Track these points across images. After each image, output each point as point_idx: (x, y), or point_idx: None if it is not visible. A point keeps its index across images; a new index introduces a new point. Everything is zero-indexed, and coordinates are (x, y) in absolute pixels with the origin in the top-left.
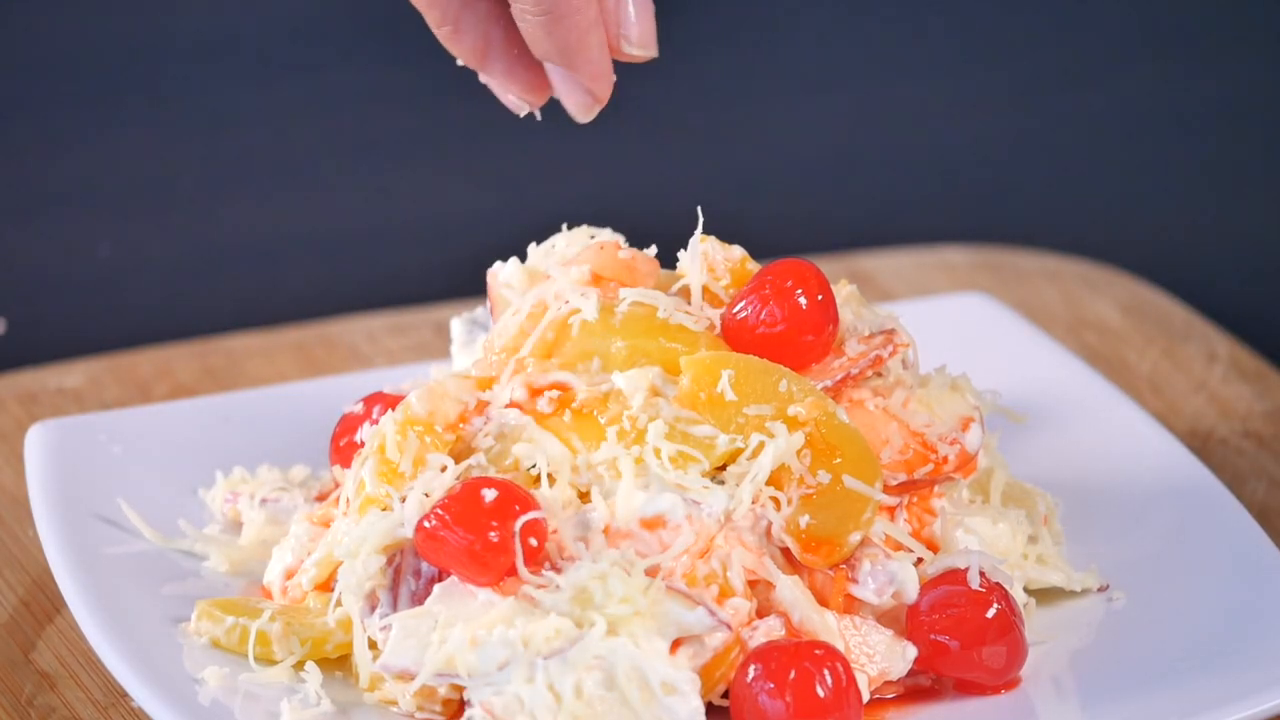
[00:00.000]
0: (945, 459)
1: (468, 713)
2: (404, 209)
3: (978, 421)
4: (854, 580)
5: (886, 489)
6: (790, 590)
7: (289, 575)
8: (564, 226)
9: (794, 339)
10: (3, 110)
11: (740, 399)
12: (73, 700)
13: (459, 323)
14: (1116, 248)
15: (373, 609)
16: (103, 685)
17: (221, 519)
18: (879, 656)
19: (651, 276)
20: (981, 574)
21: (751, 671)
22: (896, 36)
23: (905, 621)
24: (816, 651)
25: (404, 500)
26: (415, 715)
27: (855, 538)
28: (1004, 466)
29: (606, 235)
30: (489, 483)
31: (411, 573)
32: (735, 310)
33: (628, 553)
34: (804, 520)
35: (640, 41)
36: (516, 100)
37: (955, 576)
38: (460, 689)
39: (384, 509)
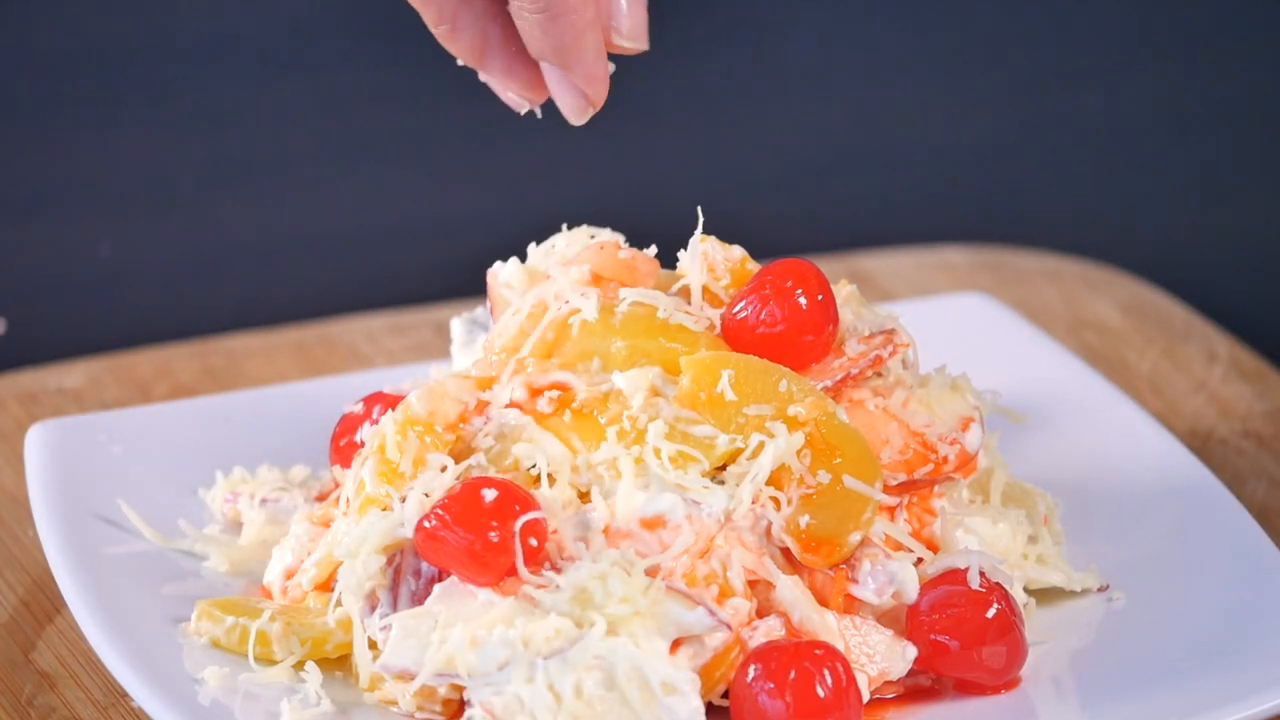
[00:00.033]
0: (945, 459)
1: (468, 713)
2: (404, 209)
3: (978, 421)
4: (854, 580)
5: (886, 489)
6: (790, 590)
7: (289, 575)
8: (564, 226)
9: (794, 339)
10: (3, 110)
11: (740, 399)
12: (73, 700)
13: (459, 323)
14: (1116, 248)
15: (373, 609)
16: (103, 685)
17: (221, 519)
18: (879, 656)
19: (651, 276)
20: (981, 574)
21: (751, 671)
22: (896, 37)
23: (905, 621)
24: (816, 651)
25: (404, 500)
26: (415, 715)
27: (855, 538)
28: (1004, 466)
29: (606, 235)
30: (489, 483)
31: (411, 573)
32: (735, 310)
33: (628, 553)
34: (804, 520)
35: (631, 34)
36: (516, 98)
37: (955, 576)
38: (460, 689)
39: (384, 509)
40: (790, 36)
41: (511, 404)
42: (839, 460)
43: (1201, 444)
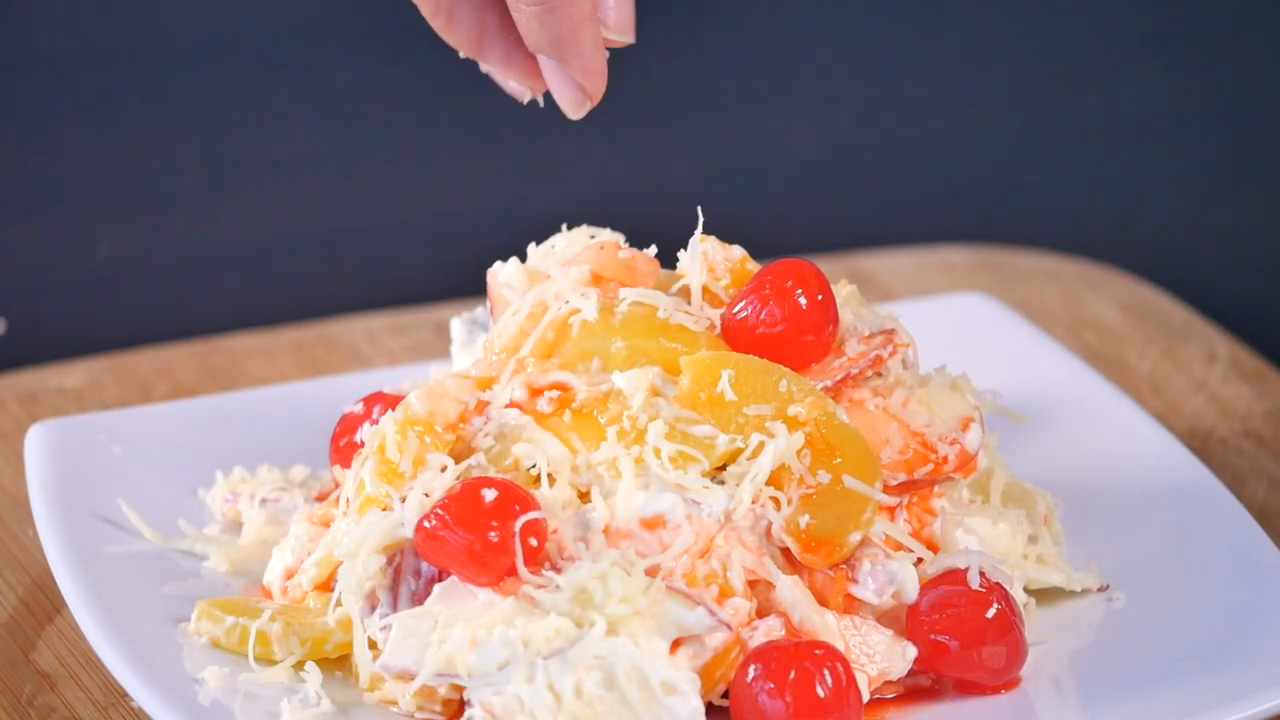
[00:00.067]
0: (945, 459)
1: (468, 713)
2: (404, 209)
3: (978, 421)
4: (854, 580)
5: (886, 489)
6: (790, 590)
7: (289, 575)
8: (564, 226)
9: (794, 339)
10: (3, 110)
11: (740, 399)
12: (73, 700)
13: (459, 323)
14: (1116, 248)
15: (373, 609)
16: (103, 685)
17: (221, 519)
18: (879, 656)
19: (651, 276)
20: (981, 574)
21: (751, 671)
22: (896, 36)
23: (905, 621)
24: (816, 651)
25: (404, 500)
26: (415, 715)
27: (855, 538)
28: (1004, 466)
29: (606, 235)
30: (489, 483)
31: (411, 573)
32: (735, 310)
33: (628, 553)
34: (804, 520)
35: (618, 26)
36: (517, 87)
37: (955, 576)
38: (460, 689)
39: (384, 509)
40: (791, 37)
41: (511, 404)
42: (839, 460)
43: (1201, 444)
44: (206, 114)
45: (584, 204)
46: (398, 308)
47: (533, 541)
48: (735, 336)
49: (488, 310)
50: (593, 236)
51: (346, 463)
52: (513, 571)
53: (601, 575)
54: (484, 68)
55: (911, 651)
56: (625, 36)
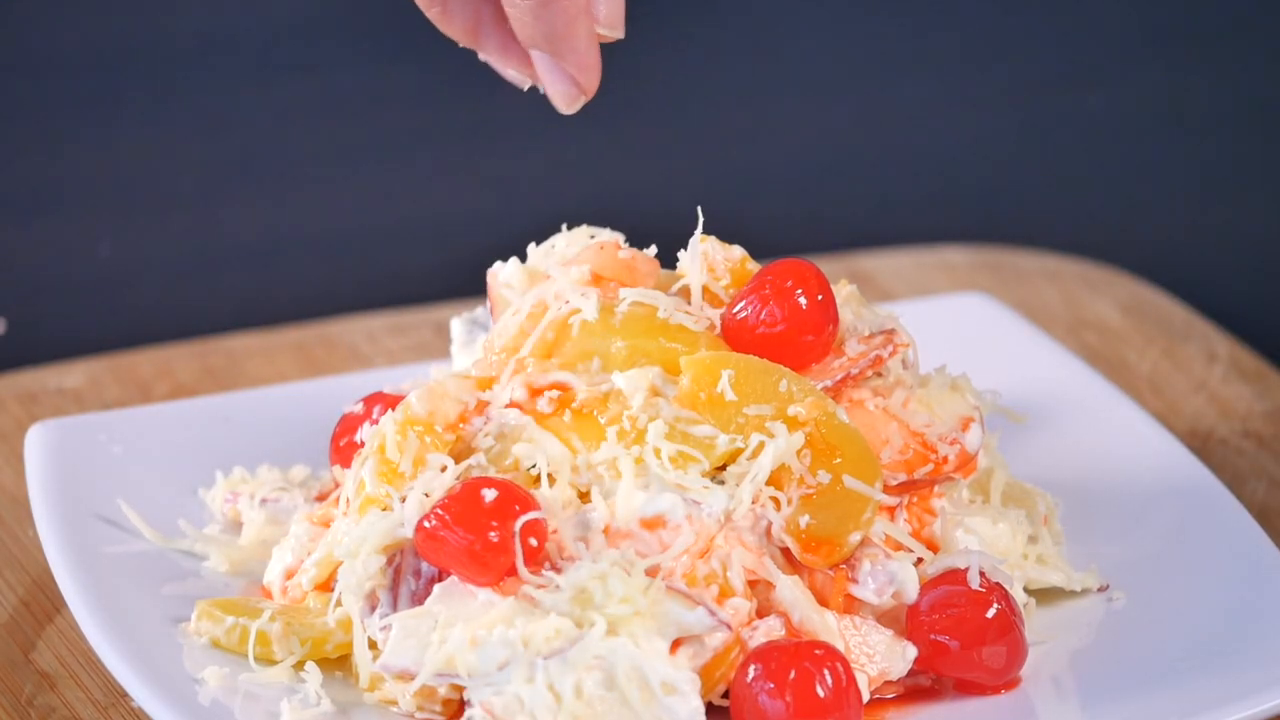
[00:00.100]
0: (945, 459)
1: (468, 713)
2: (404, 209)
3: (978, 421)
4: (854, 580)
5: (886, 489)
6: (790, 590)
7: (289, 575)
8: (564, 226)
9: (794, 339)
10: (3, 110)
11: (740, 399)
12: (73, 700)
13: (459, 323)
14: (1116, 248)
15: (373, 609)
16: (103, 685)
17: (221, 519)
18: (879, 656)
19: (651, 276)
20: (981, 574)
21: (751, 671)
22: (896, 36)
23: (905, 621)
24: (816, 651)
25: (404, 500)
26: (415, 715)
27: (855, 538)
28: (1004, 466)
29: (606, 235)
30: (489, 483)
31: (411, 573)
32: (735, 310)
33: (628, 553)
34: (804, 520)
35: (608, 21)
36: (516, 75)
37: (955, 576)
38: (460, 689)
39: (384, 509)
40: (791, 36)
41: (511, 404)
42: (839, 460)
43: (1201, 444)
44: (207, 114)
45: (584, 204)
46: (398, 308)
47: (533, 541)
48: (735, 336)
49: (488, 310)
50: (593, 236)
51: (346, 463)
52: (513, 571)
53: (601, 575)
54: (482, 56)
55: (911, 651)
56: (615, 31)
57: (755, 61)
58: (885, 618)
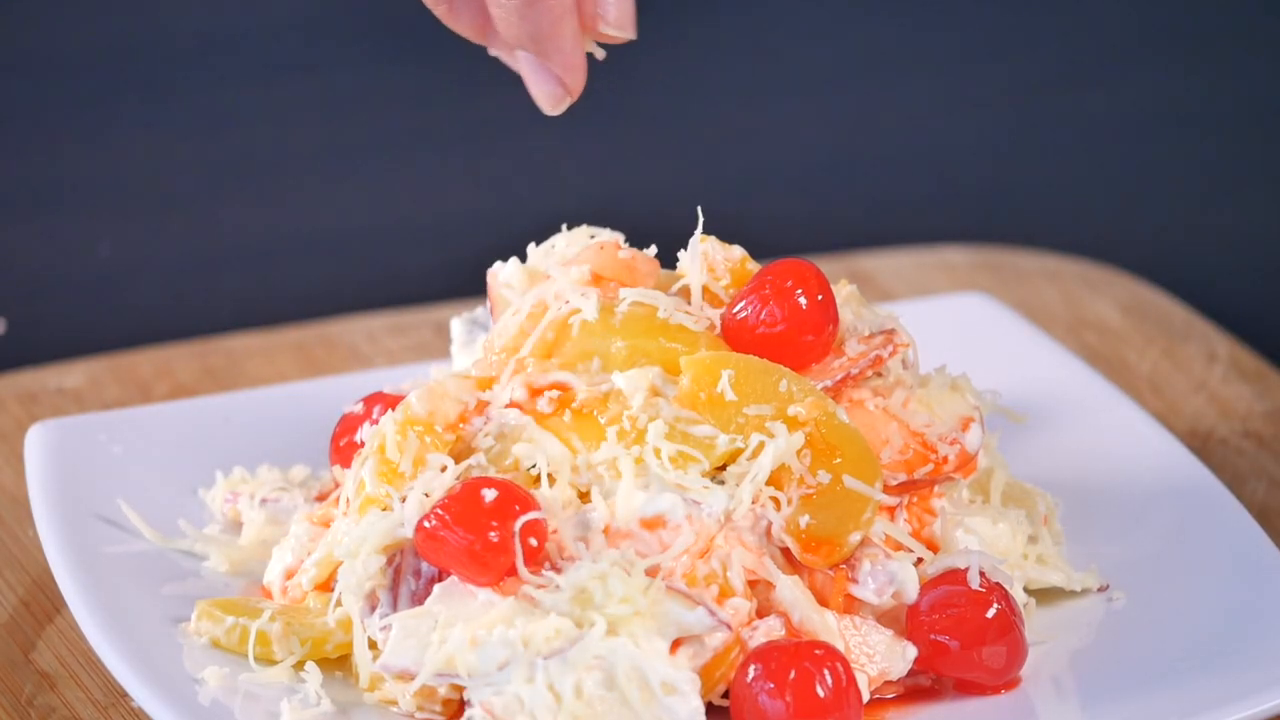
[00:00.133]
0: (945, 459)
1: (468, 713)
2: (404, 209)
3: (978, 421)
4: (854, 580)
5: (886, 489)
6: (790, 590)
7: (289, 575)
8: (564, 226)
9: (794, 339)
10: (3, 110)
11: (740, 399)
12: (73, 700)
13: (459, 323)
14: (1116, 248)
15: (373, 609)
16: (103, 685)
17: (221, 519)
18: (879, 656)
19: (651, 276)
20: (981, 574)
21: (751, 671)
22: (896, 36)
23: (905, 621)
24: (816, 651)
25: (404, 500)
26: (415, 715)
27: (855, 538)
28: (1004, 466)
29: (606, 235)
30: (489, 483)
31: (411, 573)
32: (735, 310)
33: (628, 553)
34: (804, 520)
35: (618, 22)
36: None
37: (955, 576)
38: (460, 689)
39: (384, 509)
40: (790, 36)
41: (511, 404)
42: (839, 460)
43: (1201, 444)
44: (206, 114)
45: (584, 204)
46: (398, 308)
47: (533, 541)
48: (735, 336)
49: (488, 310)
50: (593, 236)
51: (346, 463)
52: (513, 571)
53: (601, 575)
54: (492, 51)
55: (911, 651)
56: (625, 32)
57: (755, 61)
58: (885, 618)
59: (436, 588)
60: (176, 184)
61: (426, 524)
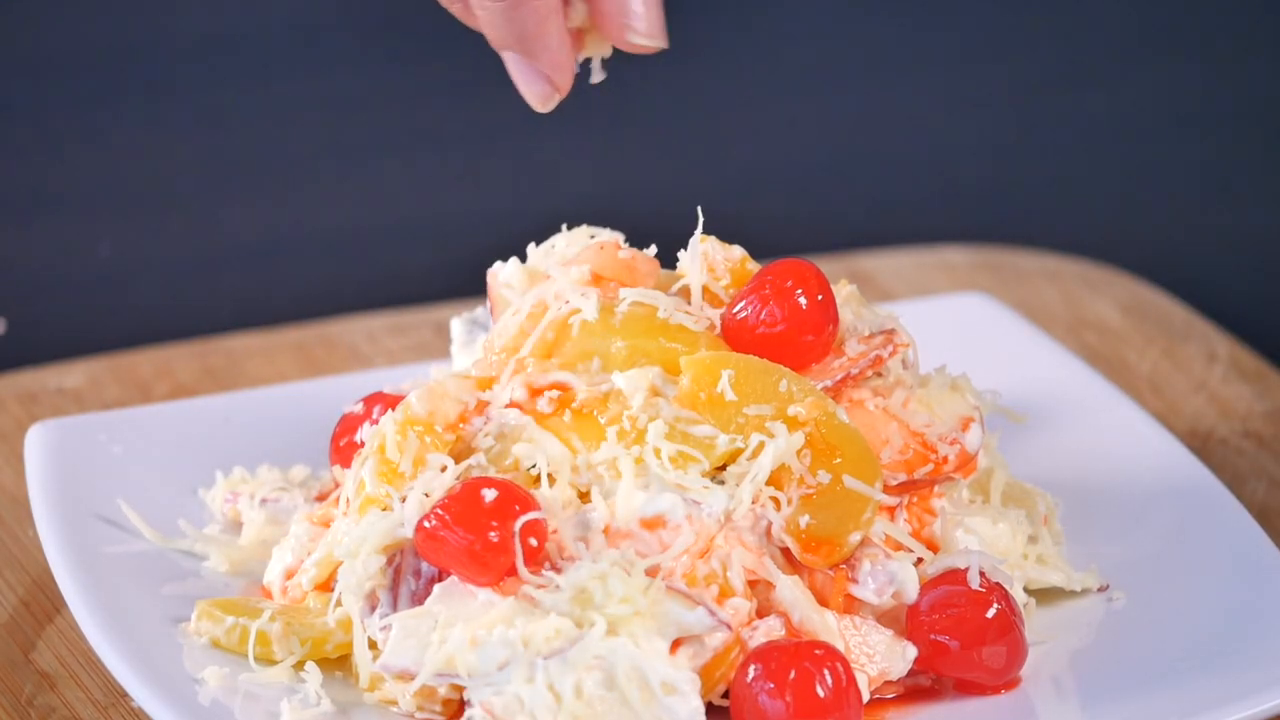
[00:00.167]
0: (945, 459)
1: (468, 713)
2: (404, 209)
3: (978, 421)
4: (854, 580)
5: (886, 489)
6: (790, 590)
7: (289, 575)
8: (564, 226)
9: (794, 339)
10: (3, 110)
11: (740, 399)
12: (73, 700)
13: (459, 323)
14: (1116, 248)
15: (373, 609)
16: (103, 685)
17: (221, 519)
18: (879, 656)
19: (651, 276)
20: (981, 574)
21: (751, 671)
22: (896, 36)
23: (905, 621)
24: (816, 651)
25: (404, 500)
26: (415, 715)
27: (855, 538)
28: (1004, 466)
29: (606, 235)
30: (489, 483)
31: (411, 573)
32: (735, 310)
33: (628, 553)
34: (804, 520)
35: (649, 32)
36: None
37: (955, 576)
38: (460, 689)
39: (384, 509)
40: (790, 36)
41: (511, 404)
42: (839, 460)
43: (1201, 444)
44: (206, 114)
45: (584, 204)
46: (398, 308)
47: (533, 541)
48: (735, 336)
49: (488, 310)
50: (593, 236)
51: (346, 463)
52: (513, 571)
53: (601, 575)
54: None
55: (911, 651)
56: (657, 41)
57: (755, 61)
58: (885, 618)
59: (436, 588)
60: (176, 184)
61: (426, 524)
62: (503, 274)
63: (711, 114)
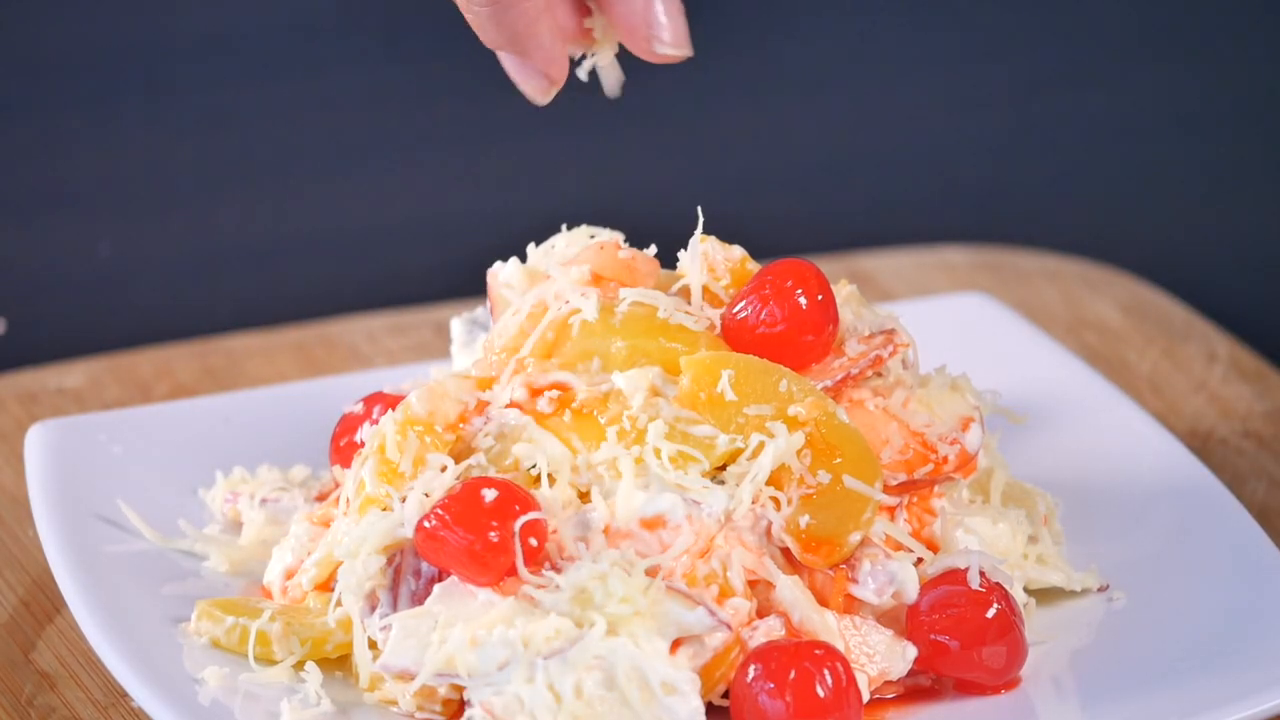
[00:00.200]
0: (945, 459)
1: (468, 713)
2: (404, 209)
3: (978, 421)
4: (854, 580)
5: (886, 489)
6: (790, 590)
7: (289, 575)
8: (564, 226)
9: (794, 339)
10: (3, 110)
11: (740, 399)
12: (73, 700)
13: (459, 323)
14: (1116, 248)
15: (373, 609)
16: (103, 685)
17: (221, 519)
18: (879, 656)
19: (651, 276)
20: (981, 574)
21: (751, 671)
22: (896, 36)
23: (905, 621)
24: (816, 651)
25: (404, 500)
26: (415, 715)
27: (855, 538)
28: (1004, 466)
29: (606, 235)
30: (489, 483)
31: (411, 573)
32: (735, 310)
33: (628, 553)
34: (804, 520)
35: (675, 41)
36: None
37: (955, 576)
38: (460, 689)
39: (384, 509)
40: (790, 36)
41: (511, 404)
42: (839, 460)
43: (1201, 444)
44: (207, 114)
45: (584, 204)
46: (398, 308)
47: (533, 541)
48: (735, 336)
49: (488, 310)
50: (593, 236)
51: (346, 463)
52: (513, 571)
53: (601, 575)
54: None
55: (911, 651)
56: (682, 50)
57: (755, 61)
58: (885, 618)
59: (436, 588)
60: (176, 184)
61: (426, 524)
62: (503, 274)
63: (711, 114)
